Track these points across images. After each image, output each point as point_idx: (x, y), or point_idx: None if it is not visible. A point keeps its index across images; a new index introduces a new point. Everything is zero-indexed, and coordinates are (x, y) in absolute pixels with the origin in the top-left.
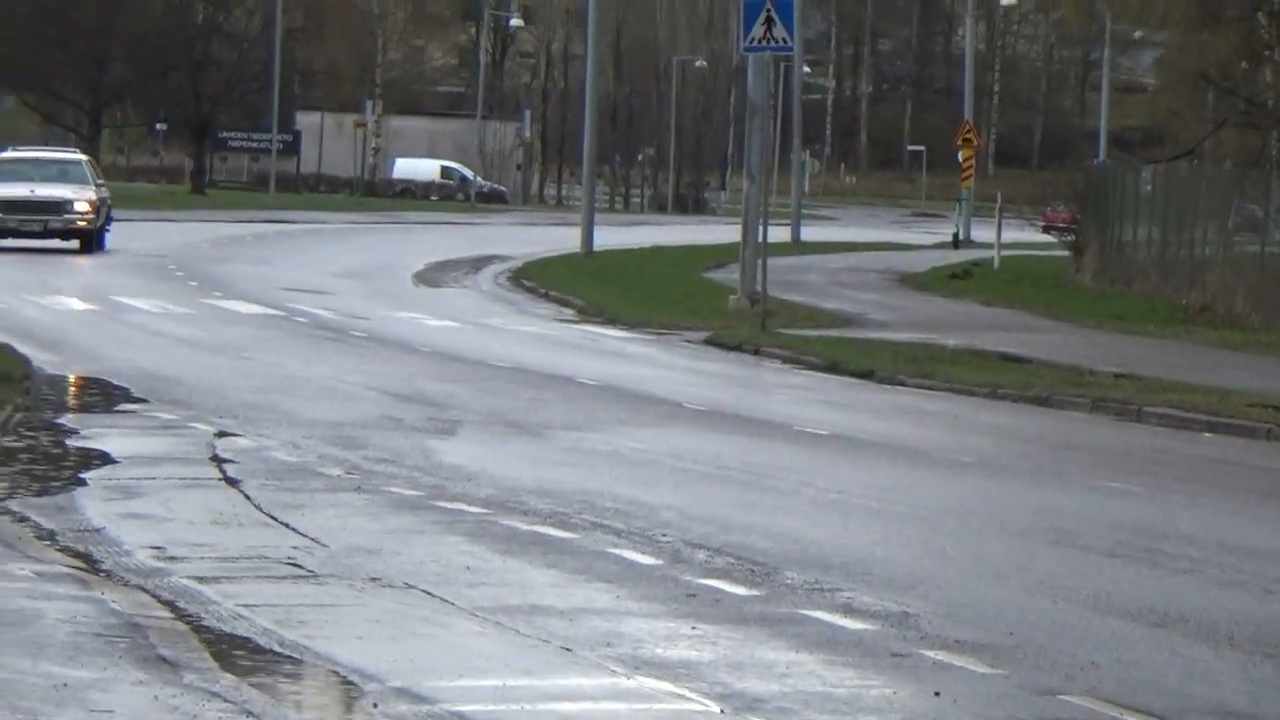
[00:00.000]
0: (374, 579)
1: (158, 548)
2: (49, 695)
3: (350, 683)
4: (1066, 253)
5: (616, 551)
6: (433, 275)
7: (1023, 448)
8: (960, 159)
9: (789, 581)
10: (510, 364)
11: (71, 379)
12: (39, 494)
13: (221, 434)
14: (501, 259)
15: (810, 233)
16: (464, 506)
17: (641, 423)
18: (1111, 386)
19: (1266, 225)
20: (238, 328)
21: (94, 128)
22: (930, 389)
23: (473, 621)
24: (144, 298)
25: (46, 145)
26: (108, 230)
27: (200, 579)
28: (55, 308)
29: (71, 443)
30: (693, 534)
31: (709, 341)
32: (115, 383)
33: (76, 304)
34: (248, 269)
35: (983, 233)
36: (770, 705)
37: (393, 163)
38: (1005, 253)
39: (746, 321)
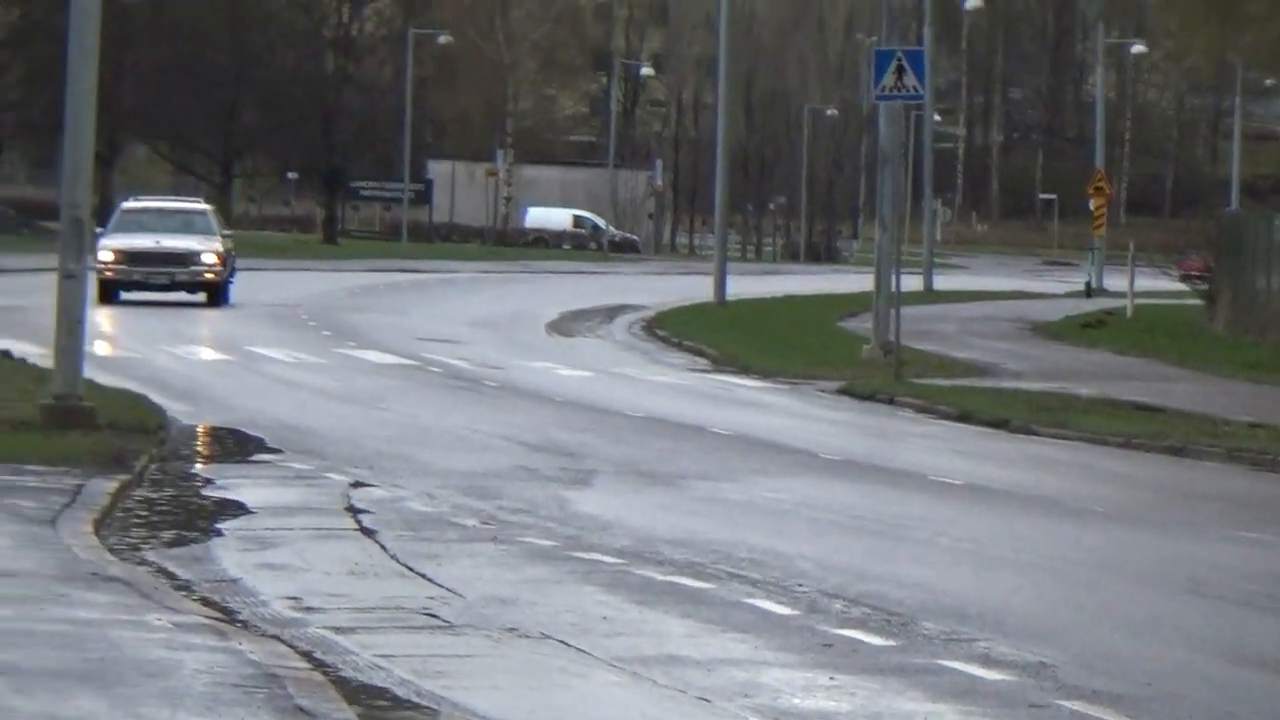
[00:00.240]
0: (510, 629)
1: (294, 598)
2: None
3: None
4: (1200, 301)
5: (752, 601)
6: (566, 325)
7: (1157, 498)
8: (1092, 207)
9: (925, 631)
10: (644, 414)
11: (206, 429)
12: (175, 544)
13: (356, 484)
14: (634, 308)
15: (942, 281)
16: (600, 556)
17: (776, 472)
18: (1247, 436)
19: None
20: (371, 377)
21: (225, 177)
22: (1063, 438)
23: (610, 672)
24: (277, 347)
25: (178, 195)
26: (232, 282)
27: (337, 629)
28: (189, 358)
29: (207, 493)
30: (828, 584)
31: (843, 391)
32: (250, 433)
33: (210, 354)
34: (381, 318)
35: (1115, 281)
36: None
37: (525, 212)
38: (1138, 301)
39: (880, 371)
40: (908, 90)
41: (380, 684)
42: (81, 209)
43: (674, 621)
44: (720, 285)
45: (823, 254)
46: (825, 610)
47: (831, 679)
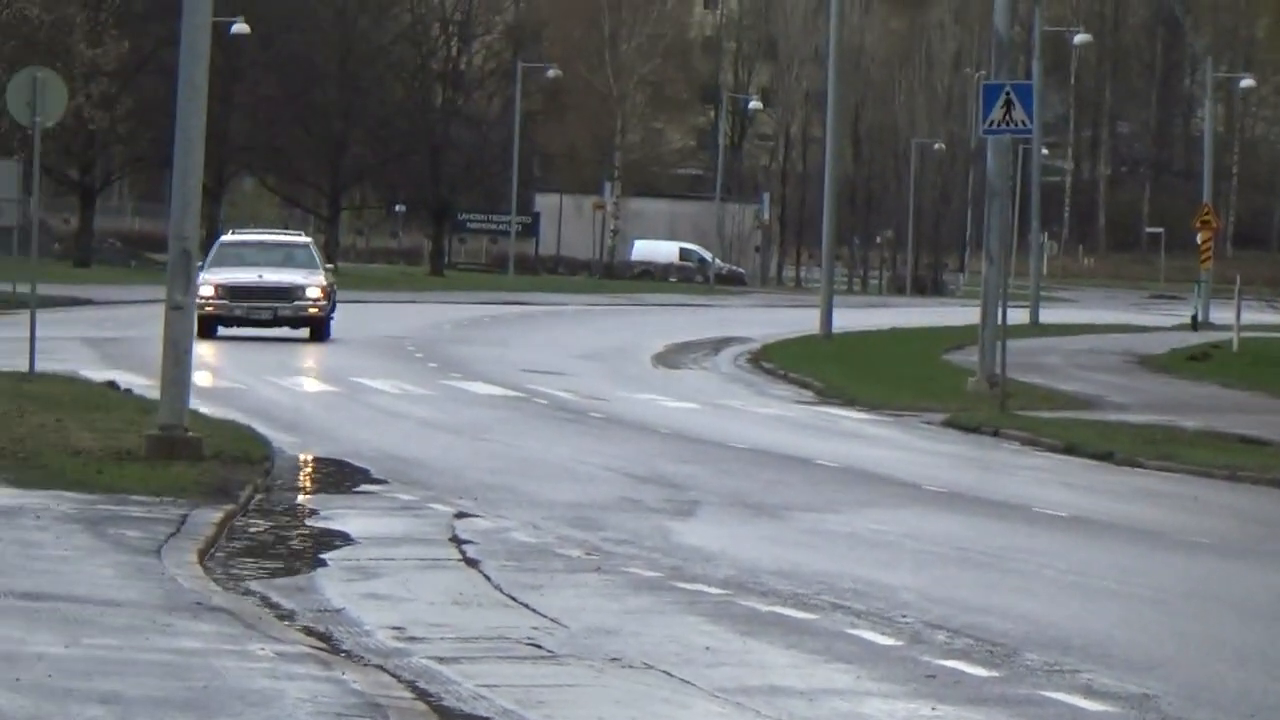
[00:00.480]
0: (614, 659)
1: (398, 628)
2: None
3: None
4: None
5: (856, 632)
6: (672, 357)
7: (1263, 530)
8: (1199, 241)
9: (1029, 662)
10: (749, 445)
11: (312, 460)
12: (279, 574)
13: (461, 515)
14: (740, 340)
15: (1049, 315)
16: (703, 587)
17: (880, 504)
18: None
19: None
20: (477, 409)
21: (333, 209)
22: (1169, 471)
23: (713, 702)
24: (383, 379)
25: (286, 228)
26: (332, 318)
27: (440, 659)
28: (295, 389)
29: (311, 523)
30: (932, 615)
31: (948, 423)
32: (355, 463)
33: (316, 385)
34: (487, 350)
35: (1221, 315)
36: None
37: (632, 244)
38: (1244, 335)
39: (985, 403)
40: (1016, 124)
41: (483, 714)
42: (190, 241)
43: (777, 652)
44: (826, 318)
45: (929, 287)
46: (928, 641)
47: (934, 709)
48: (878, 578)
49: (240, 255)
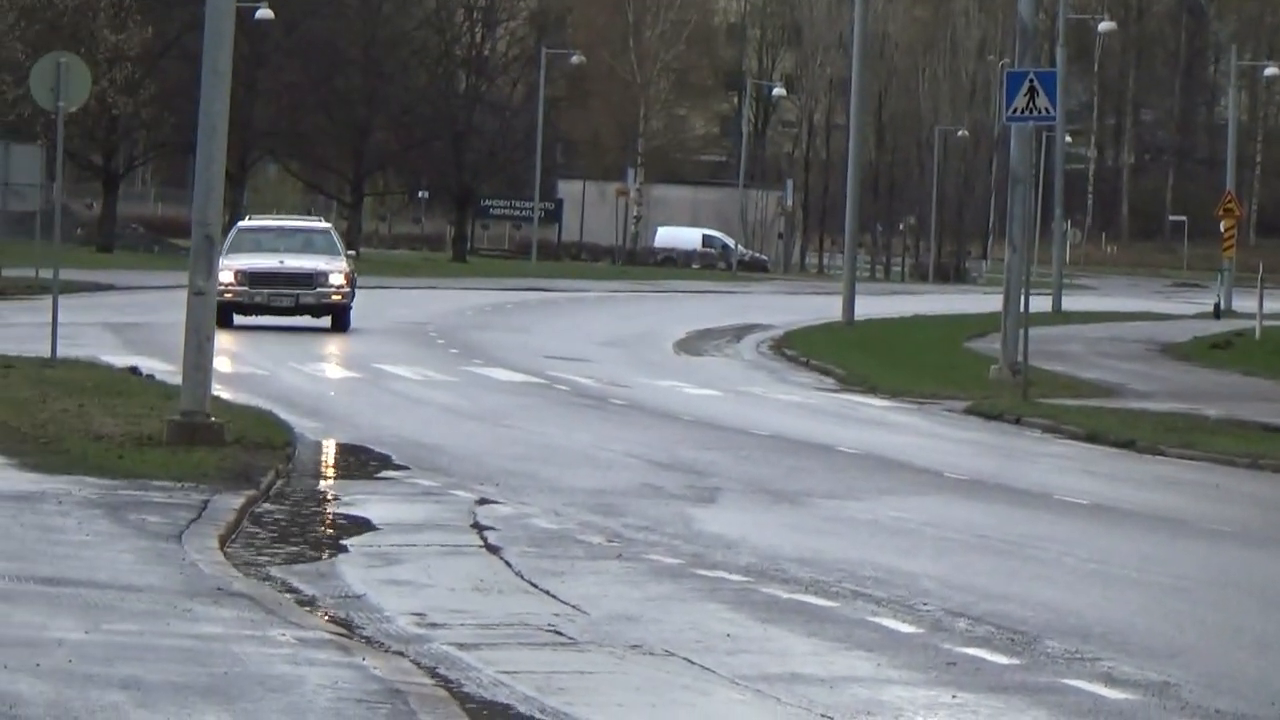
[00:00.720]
0: (634, 646)
1: (418, 614)
2: None
3: None
4: None
5: (877, 620)
6: (694, 343)
7: None
8: (1222, 229)
9: (1049, 650)
10: (770, 432)
11: (333, 446)
12: (300, 560)
13: (482, 501)
14: (763, 327)
15: (1071, 302)
16: (724, 574)
17: (902, 491)
18: None
19: None
20: (498, 395)
21: (356, 195)
22: (1191, 459)
23: (733, 690)
24: (405, 365)
25: (309, 213)
26: (351, 306)
27: (461, 645)
28: (317, 375)
29: (333, 509)
30: (953, 602)
31: (970, 411)
32: (376, 449)
33: (338, 371)
34: (509, 337)
35: (1244, 303)
36: None
37: (654, 231)
38: (1267, 323)
39: (1007, 391)
40: (1039, 112)
41: (503, 700)
42: (212, 227)
43: (798, 639)
44: (849, 305)
45: (951, 274)
46: (949, 629)
47: (954, 697)
48: (899, 565)
49: (258, 241)
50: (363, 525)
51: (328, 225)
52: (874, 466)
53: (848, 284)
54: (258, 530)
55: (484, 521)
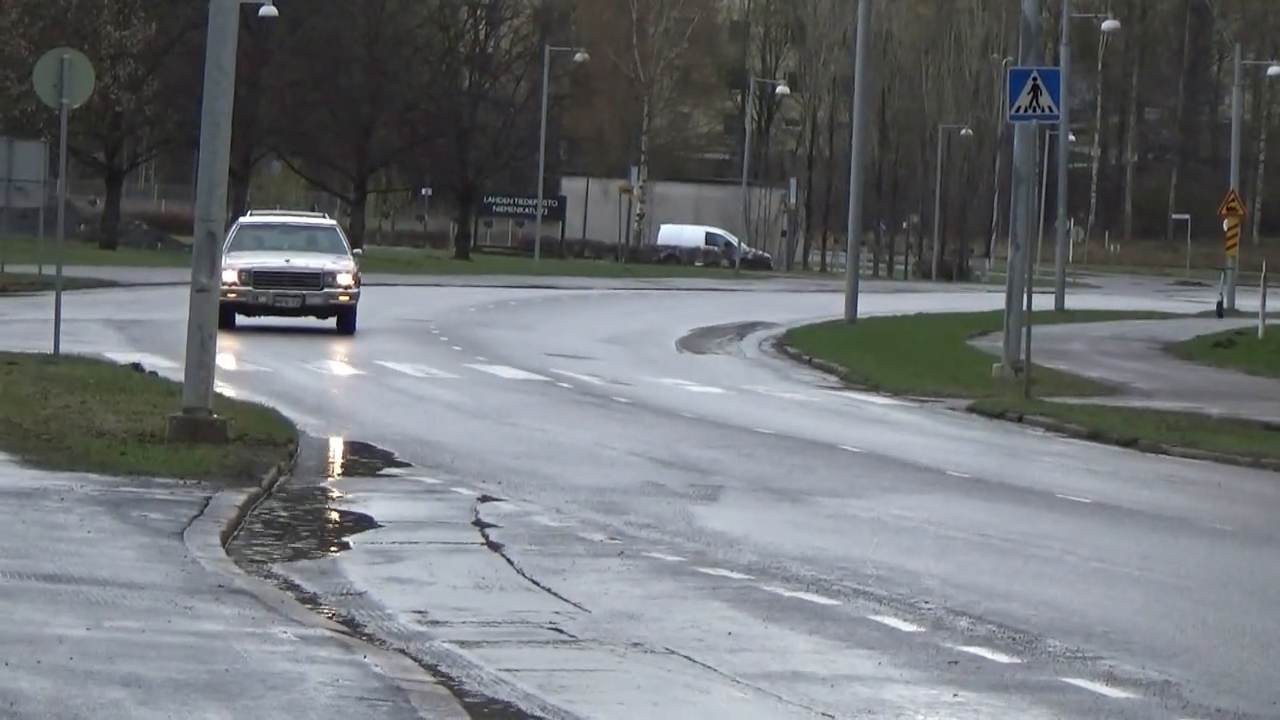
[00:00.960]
0: (635, 644)
1: (420, 612)
2: None
3: None
4: None
5: (878, 618)
6: (697, 341)
7: None
8: (1225, 228)
9: (1051, 649)
10: (773, 430)
11: (336, 443)
12: (302, 557)
13: (484, 498)
14: (765, 325)
15: (1074, 301)
16: (726, 572)
17: (904, 490)
18: None
19: None
20: (501, 393)
21: (360, 193)
22: (1193, 458)
23: (734, 688)
24: (408, 362)
25: (312, 210)
26: (357, 308)
27: (462, 643)
28: (319, 372)
29: (335, 506)
30: (955, 601)
31: (972, 409)
32: (379, 447)
33: (340, 368)
34: (512, 334)
35: (1247, 302)
36: None
37: (658, 229)
38: (1270, 322)
39: (1010, 389)
40: (1043, 110)
41: (504, 698)
42: (215, 223)
43: (799, 638)
44: (852, 303)
45: (955, 273)
46: (951, 627)
47: (956, 696)
48: (900, 563)
49: (261, 238)
50: (365, 522)
51: (333, 222)
52: (876, 465)
53: (850, 282)
54: (260, 527)
55: (486, 519)
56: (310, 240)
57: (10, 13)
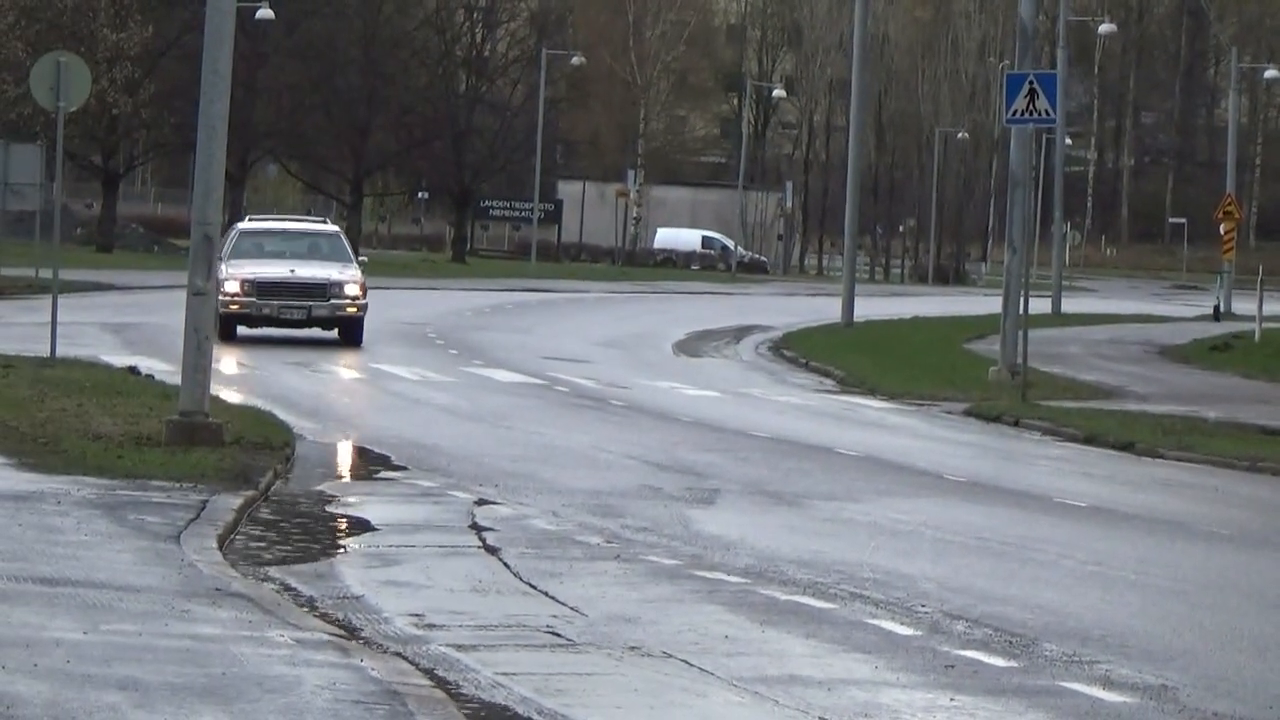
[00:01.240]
0: (632, 648)
1: (417, 615)
2: None
3: None
4: None
5: (875, 622)
6: (693, 345)
7: None
8: (1221, 232)
9: (1047, 653)
10: (770, 434)
11: (332, 446)
12: (299, 561)
13: (481, 502)
14: (762, 329)
15: (1071, 304)
16: (723, 576)
17: (901, 493)
18: None
19: None
20: (498, 396)
21: (356, 196)
22: (1190, 462)
23: (731, 691)
24: (404, 365)
25: (309, 214)
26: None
27: (459, 647)
28: (317, 375)
29: (331, 510)
30: (951, 605)
31: (969, 413)
32: (375, 450)
33: (338, 372)
34: (508, 337)
35: (1244, 305)
36: None
37: (654, 232)
38: (1266, 326)
39: (1006, 393)
40: (1039, 114)
41: (501, 702)
42: (212, 227)
43: (796, 641)
44: (848, 306)
45: (951, 276)
46: (947, 631)
47: (952, 700)
48: (897, 567)
49: (261, 245)
50: (361, 526)
51: (336, 228)
52: (873, 468)
53: (847, 285)
54: (256, 531)
55: (483, 522)
56: (313, 247)
57: (7, 16)
